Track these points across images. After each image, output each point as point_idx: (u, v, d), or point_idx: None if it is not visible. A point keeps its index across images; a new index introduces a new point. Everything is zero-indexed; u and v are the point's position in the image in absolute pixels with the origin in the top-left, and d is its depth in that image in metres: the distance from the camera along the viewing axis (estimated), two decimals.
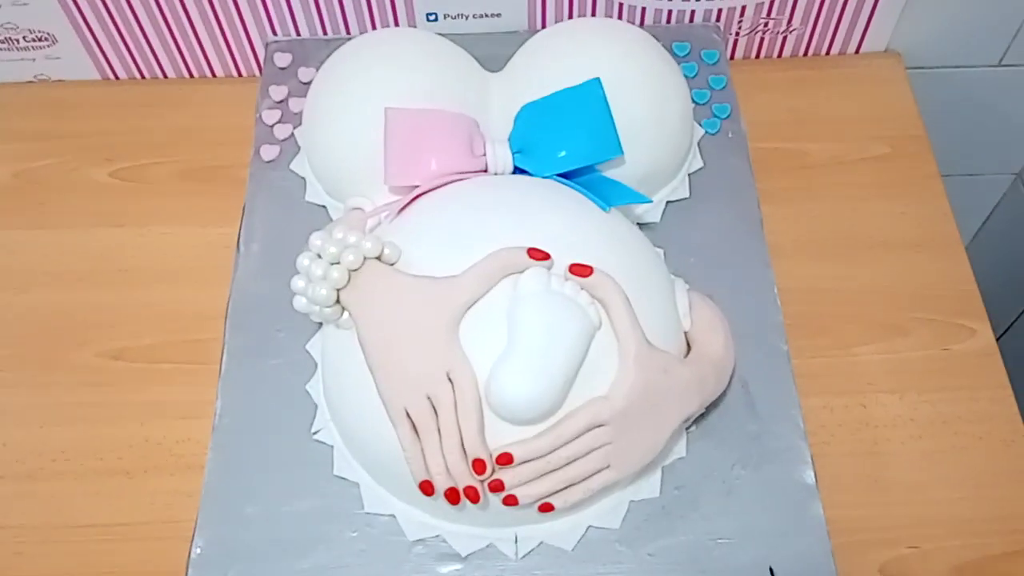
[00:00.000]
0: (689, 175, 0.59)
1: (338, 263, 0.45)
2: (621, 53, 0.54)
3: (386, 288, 0.45)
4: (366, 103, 0.53)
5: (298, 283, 0.47)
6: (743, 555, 0.47)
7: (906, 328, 0.59)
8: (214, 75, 0.70)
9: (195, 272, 0.61)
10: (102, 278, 0.62)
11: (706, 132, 0.61)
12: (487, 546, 0.47)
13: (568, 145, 0.52)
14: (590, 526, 0.47)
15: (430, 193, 0.50)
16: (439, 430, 0.43)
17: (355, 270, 0.45)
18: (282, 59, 0.65)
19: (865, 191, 0.64)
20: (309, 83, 0.63)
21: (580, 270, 0.44)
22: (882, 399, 0.56)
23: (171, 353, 0.58)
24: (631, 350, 0.43)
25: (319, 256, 0.46)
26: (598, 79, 0.52)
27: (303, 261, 0.46)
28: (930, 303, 0.60)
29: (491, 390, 0.42)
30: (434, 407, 0.43)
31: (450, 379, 0.43)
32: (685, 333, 0.49)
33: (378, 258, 0.46)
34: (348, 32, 0.66)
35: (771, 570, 0.46)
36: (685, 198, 0.58)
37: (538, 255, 0.44)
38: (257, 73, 0.70)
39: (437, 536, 0.47)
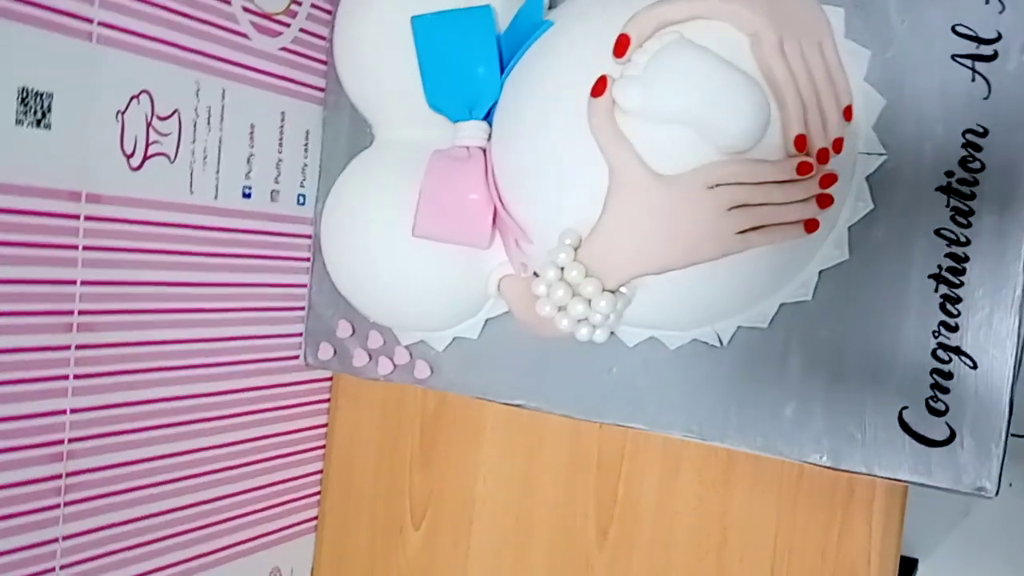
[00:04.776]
0: None
1: (579, 283, 0.46)
2: None
3: (628, 251, 0.45)
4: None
5: (581, 331, 0.47)
6: None
7: None
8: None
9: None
10: None
11: None
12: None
13: (472, 59, 0.52)
14: (821, 271, 0.49)
15: (500, 190, 0.51)
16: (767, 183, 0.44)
17: (589, 274, 0.46)
18: (325, 351, 0.66)
19: None
20: (353, 331, 0.64)
21: (620, 46, 0.44)
22: None
23: None
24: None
25: (563, 309, 0.47)
26: (415, 17, 0.52)
27: (563, 323, 0.47)
28: None
29: (743, 144, 0.43)
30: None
31: (722, 184, 0.44)
32: None
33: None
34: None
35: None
36: None
37: (600, 86, 0.44)
38: (329, 379, 0.71)
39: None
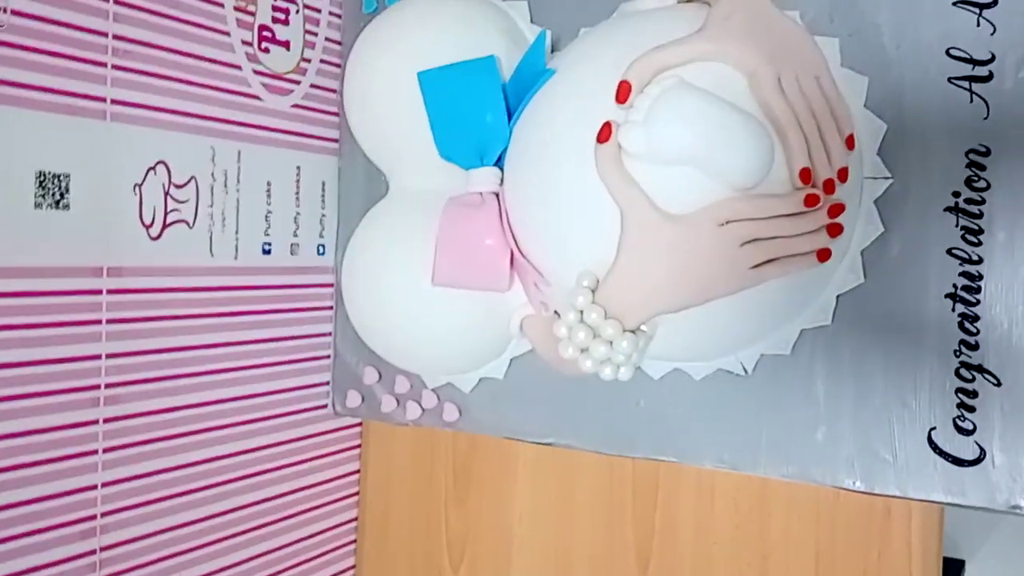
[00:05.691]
0: None
1: (600, 325, 0.46)
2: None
3: (645, 292, 0.45)
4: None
5: (605, 371, 0.47)
6: None
7: None
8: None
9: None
10: None
11: None
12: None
13: (480, 107, 0.52)
14: (838, 296, 0.49)
15: (515, 234, 0.52)
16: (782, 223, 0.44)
17: (609, 316, 0.46)
18: (353, 398, 0.66)
19: None
20: (380, 376, 0.64)
21: (622, 93, 0.45)
22: None
23: None
24: (708, 34, 0.44)
25: (585, 351, 0.47)
26: (421, 72, 0.53)
27: (586, 364, 0.47)
28: None
29: (749, 181, 0.43)
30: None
31: (733, 220, 0.44)
32: None
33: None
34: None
35: None
36: None
37: (605, 132, 0.45)
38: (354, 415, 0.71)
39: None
